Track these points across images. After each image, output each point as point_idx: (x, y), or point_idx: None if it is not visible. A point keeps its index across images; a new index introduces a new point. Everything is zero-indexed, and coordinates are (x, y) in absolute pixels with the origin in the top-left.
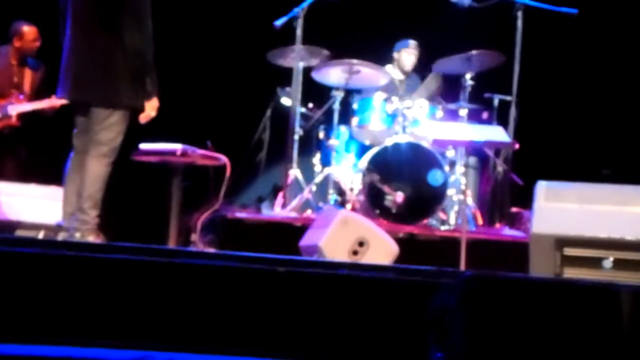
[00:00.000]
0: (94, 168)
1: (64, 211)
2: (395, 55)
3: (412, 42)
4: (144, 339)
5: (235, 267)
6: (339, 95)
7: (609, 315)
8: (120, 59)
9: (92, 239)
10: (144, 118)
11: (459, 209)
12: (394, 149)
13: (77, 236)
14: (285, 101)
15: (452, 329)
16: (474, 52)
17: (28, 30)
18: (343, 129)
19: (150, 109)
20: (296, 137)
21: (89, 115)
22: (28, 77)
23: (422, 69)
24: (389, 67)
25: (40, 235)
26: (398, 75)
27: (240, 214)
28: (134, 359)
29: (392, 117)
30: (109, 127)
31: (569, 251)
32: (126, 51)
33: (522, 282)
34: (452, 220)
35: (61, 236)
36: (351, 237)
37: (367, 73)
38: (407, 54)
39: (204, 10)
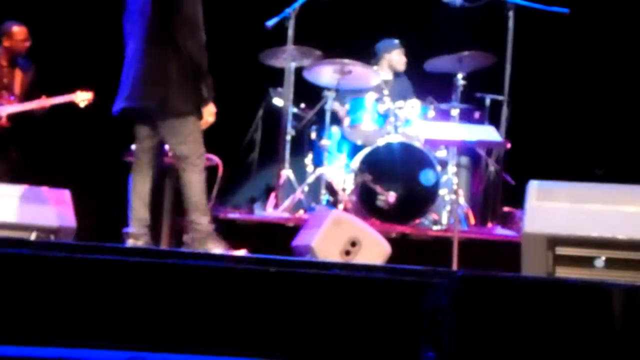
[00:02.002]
0: (190, 179)
1: (133, 218)
2: (386, 55)
3: (398, 42)
4: (136, 340)
5: (228, 267)
6: (331, 95)
7: (600, 314)
8: (176, 67)
9: (211, 245)
10: (203, 124)
11: (451, 209)
12: (386, 149)
13: (197, 246)
14: (277, 101)
15: (444, 329)
16: (465, 53)
17: (18, 30)
18: (335, 129)
19: (208, 114)
20: (288, 137)
21: (157, 127)
22: (18, 78)
23: (412, 69)
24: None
25: (33, 236)
26: (387, 76)
27: (233, 215)
28: (126, 359)
29: (384, 117)
30: (186, 139)
31: (561, 250)
32: (181, 59)
33: (514, 282)
34: (444, 220)
35: (130, 243)
36: (343, 237)
37: (358, 73)
38: (399, 54)
39: None
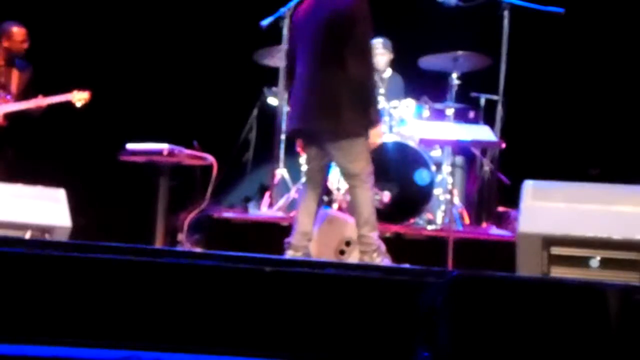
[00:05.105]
0: (360, 196)
1: (298, 230)
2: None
3: (377, 41)
4: (131, 339)
5: (222, 266)
6: None
7: (595, 315)
8: (347, 91)
9: (379, 260)
10: (370, 146)
11: (445, 209)
12: (380, 149)
13: (366, 259)
14: (272, 101)
15: (439, 329)
16: (459, 53)
17: (17, 31)
18: None
19: (375, 136)
20: (283, 136)
21: (326, 148)
22: (15, 78)
23: (406, 68)
24: None
25: (27, 235)
26: (382, 75)
27: (227, 214)
28: (121, 358)
29: None
30: (356, 157)
31: (556, 250)
32: (351, 83)
33: (509, 281)
34: (439, 220)
35: (290, 254)
36: (338, 236)
37: None
38: (379, 55)
39: (191, 10)
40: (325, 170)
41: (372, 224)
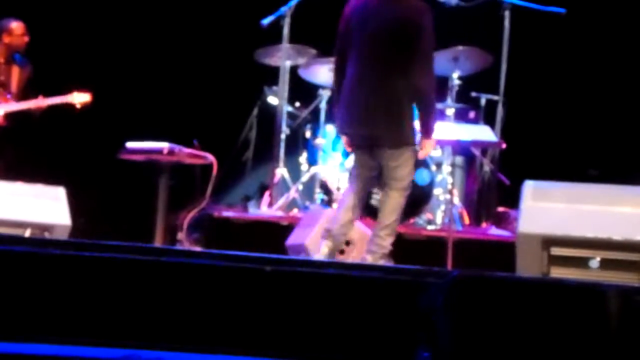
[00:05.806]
0: (394, 200)
1: (338, 222)
2: None
3: None
4: (130, 338)
5: (222, 265)
6: (325, 94)
7: (595, 315)
8: (409, 99)
9: (382, 262)
10: (422, 154)
11: (445, 209)
12: None
13: (369, 259)
14: (272, 100)
15: (439, 329)
16: (461, 47)
17: (16, 25)
18: (330, 127)
19: (430, 146)
20: (283, 136)
21: (378, 152)
22: (15, 75)
23: None
24: None
25: (27, 233)
26: None
27: (227, 213)
28: (121, 357)
29: None
30: (404, 163)
31: (556, 251)
32: (414, 92)
33: (509, 282)
34: (439, 220)
35: (324, 243)
36: None
37: None
38: None
39: (191, 9)
40: (375, 180)
41: (393, 229)
